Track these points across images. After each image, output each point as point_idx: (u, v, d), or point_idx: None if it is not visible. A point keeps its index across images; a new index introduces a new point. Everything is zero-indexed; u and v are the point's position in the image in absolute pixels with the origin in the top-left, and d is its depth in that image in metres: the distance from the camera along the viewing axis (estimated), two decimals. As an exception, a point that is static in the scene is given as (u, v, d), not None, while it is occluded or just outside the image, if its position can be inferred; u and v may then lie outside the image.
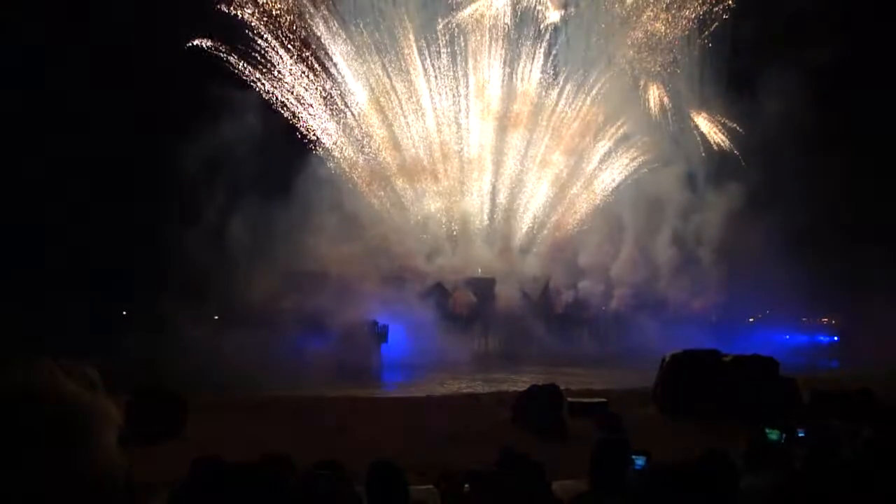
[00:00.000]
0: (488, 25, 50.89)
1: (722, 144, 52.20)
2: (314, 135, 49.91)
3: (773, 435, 6.21)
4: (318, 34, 49.95)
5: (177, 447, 11.85)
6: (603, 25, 51.78)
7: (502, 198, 52.91)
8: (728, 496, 3.10)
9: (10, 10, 41.13)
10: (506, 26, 51.25)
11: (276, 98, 49.22)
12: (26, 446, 1.22)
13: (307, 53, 50.06)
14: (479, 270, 48.12)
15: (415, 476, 4.44)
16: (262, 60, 48.89)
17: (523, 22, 51.77)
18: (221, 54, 47.52)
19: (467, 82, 52.25)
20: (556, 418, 14.39)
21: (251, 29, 48.12)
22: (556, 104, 53.18)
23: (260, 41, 48.51)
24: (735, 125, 50.67)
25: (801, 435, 6.50)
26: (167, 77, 42.77)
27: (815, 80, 42.26)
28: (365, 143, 51.12)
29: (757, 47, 47.08)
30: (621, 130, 52.51)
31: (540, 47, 52.12)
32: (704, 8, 50.43)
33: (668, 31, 51.65)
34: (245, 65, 48.36)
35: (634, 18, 51.64)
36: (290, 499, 3.07)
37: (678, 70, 51.95)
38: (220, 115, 42.64)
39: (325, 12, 49.61)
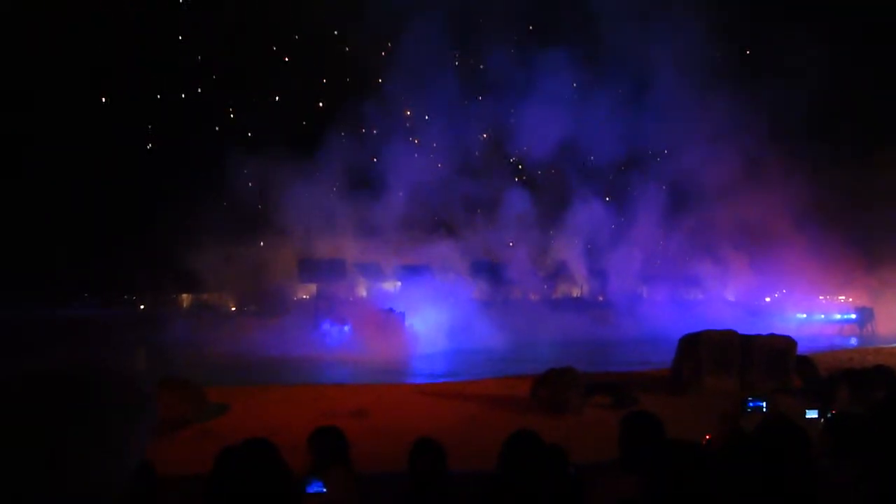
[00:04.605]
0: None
1: None
2: None
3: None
4: None
5: (197, 437, 12.04)
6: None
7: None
8: (742, 476, 3.13)
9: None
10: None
11: None
12: (70, 442, 1.26)
13: None
14: (495, 255, 48.00)
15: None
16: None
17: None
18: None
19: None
20: (574, 400, 14.46)
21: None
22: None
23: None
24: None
25: (813, 416, 6.52)
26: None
27: (822, 56, 41.67)
28: None
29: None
30: None
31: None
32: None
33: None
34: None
35: None
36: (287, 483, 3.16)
37: None
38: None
39: None
